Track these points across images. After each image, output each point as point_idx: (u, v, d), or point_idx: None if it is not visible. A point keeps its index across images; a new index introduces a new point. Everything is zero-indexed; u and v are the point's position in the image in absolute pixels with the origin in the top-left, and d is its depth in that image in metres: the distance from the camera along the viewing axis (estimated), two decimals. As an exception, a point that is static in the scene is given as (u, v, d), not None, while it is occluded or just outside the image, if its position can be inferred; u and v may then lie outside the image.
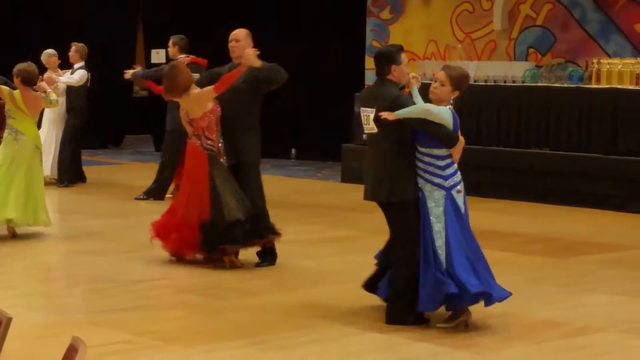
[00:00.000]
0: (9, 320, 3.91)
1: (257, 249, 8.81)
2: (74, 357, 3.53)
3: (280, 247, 8.83)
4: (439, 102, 6.79)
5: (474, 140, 12.89)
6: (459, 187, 6.76)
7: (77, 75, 13.68)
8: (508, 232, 10.80)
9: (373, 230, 10.40)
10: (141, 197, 12.70)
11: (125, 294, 7.75)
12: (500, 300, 6.80)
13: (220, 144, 8.66)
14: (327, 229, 10.94)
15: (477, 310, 6.86)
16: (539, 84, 13.53)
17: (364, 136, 14.17)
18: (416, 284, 6.74)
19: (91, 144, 18.21)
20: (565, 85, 13.30)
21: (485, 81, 13.85)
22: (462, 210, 6.74)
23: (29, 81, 9.98)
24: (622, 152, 12.50)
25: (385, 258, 7.12)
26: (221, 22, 17.93)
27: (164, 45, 13.19)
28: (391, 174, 6.82)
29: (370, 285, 7.21)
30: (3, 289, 7.86)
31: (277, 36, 16.83)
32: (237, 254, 8.78)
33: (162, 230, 8.83)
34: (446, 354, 6.31)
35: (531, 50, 14.74)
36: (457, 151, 6.79)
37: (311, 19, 17.67)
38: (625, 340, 6.68)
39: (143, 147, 19.84)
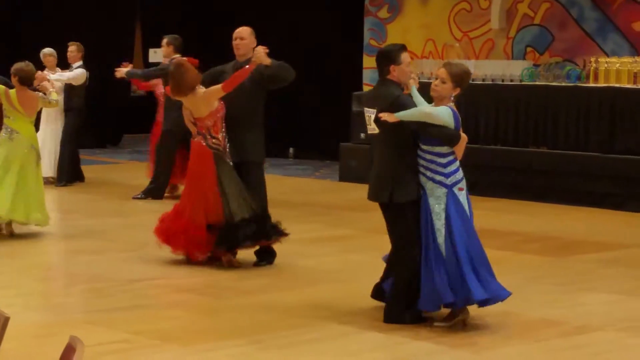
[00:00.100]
0: (7, 319, 3.91)
1: (256, 247, 8.79)
2: (72, 356, 3.53)
3: (278, 246, 8.81)
4: (440, 99, 6.78)
5: (471, 139, 12.74)
6: (460, 184, 6.74)
7: (73, 74, 13.67)
8: (506, 231, 10.80)
9: (371, 229, 10.40)
10: (139, 196, 12.69)
11: (123, 293, 7.74)
12: (499, 301, 6.81)
13: (226, 143, 8.60)
14: (325, 228, 10.94)
15: (475, 309, 6.85)
16: (537, 83, 13.53)
17: (362, 135, 14.35)
18: (417, 283, 6.74)
19: (89, 144, 18.21)
20: (563, 84, 13.30)
21: (483, 80, 13.84)
22: (465, 207, 6.72)
23: (26, 81, 9.99)
24: (620, 150, 12.50)
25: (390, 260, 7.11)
26: (219, 22, 17.99)
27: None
28: (392, 175, 6.80)
29: (378, 292, 7.18)
30: (1, 289, 7.85)
31: (276, 35, 16.81)
32: (235, 253, 8.76)
33: (169, 235, 8.68)
34: (444, 353, 6.31)
35: (529, 49, 14.74)
36: (460, 149, 6.77)
37: (309, 18, 17.66)
38: (623, 339, 6.68)
39: (141, 146, 19.81)
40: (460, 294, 6.64)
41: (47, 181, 12.82)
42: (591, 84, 13.01)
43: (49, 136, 13.72)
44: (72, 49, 13.89)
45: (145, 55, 17.97)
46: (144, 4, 20.47)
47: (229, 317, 7.10)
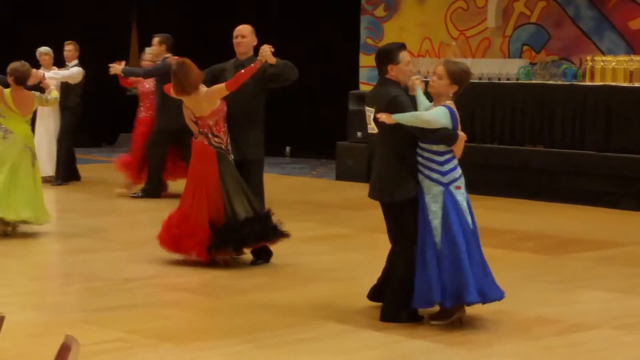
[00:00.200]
0: (2, 318, 3.91)
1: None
2: (67, 355, 3.53)
3: (274, 244, 8.81)
4: (438, 95, 6.76)
5: (468, 137, 12.60)
6: (458, 182, 6.73)
7: (69, 72, 13.66)
8: (502, 229, 10.80)
9: (367, 228, 10.41)
10: (136, 194, 12.68)
11: (119, 293, 7.74)
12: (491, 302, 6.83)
13: (228, 142, 8.59)
14: (321, 227, 10.94)
15: (471, 308, 6.85)
16: (533, 82, 13.54)
17: (359, 134, 14.35)
18: (413, 281, 6.75)
19: (85, 143, 18.20)
20: (560, 82, 13.30)
21: (480, 79, 13.85)
22: (463, 205, 6.70)
23: (22, 80, 10.00)
24: (616, 149, 12.51)
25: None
26: (215, 21, 17.98)
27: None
28: (392, 174, 6.78)
29: (375, 294, 7.17)
30: (-3, 288, 7.86)
31: (273, 34, 16.80)
32: (242, 252, 8.72)
33: (176, 241, 8.55)
34: (440, 351, 6.31)
35: (525, 47, 14.75)
36: (459, 147, 6.76)
37: (306, 17, 17.66)
38: (619, 337, 6.69)
39: (137, 145, 19.81)
40: (454, 293, 6.64)
41: (46, 180, 12.82)
42: (587, 83, 13.02)
43: (44, 135, 13.70)
44: (70, 47, 13.89)
45: (142, 55, 17.95)
46: (140, 2, 20.46)
47: (225, 316, 7.10)
